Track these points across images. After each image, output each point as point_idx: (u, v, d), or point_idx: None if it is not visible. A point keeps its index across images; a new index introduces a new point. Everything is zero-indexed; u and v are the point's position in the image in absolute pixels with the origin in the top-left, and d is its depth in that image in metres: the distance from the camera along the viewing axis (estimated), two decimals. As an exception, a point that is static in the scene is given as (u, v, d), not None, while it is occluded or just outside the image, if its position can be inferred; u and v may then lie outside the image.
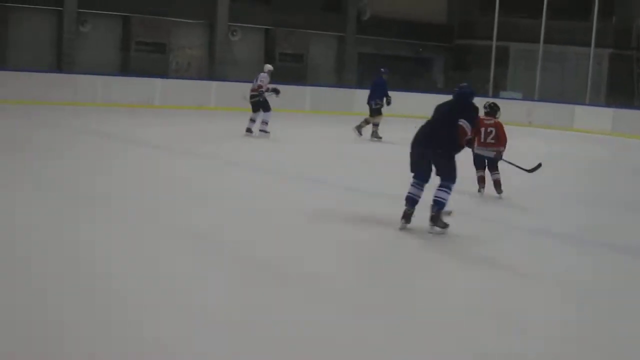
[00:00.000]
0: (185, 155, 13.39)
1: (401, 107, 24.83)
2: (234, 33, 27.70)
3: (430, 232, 7.65)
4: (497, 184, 10.24)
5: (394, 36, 30.54)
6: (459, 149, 7.79)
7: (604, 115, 24.67)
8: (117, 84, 23.46)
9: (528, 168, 9.60)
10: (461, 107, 7.89)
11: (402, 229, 7.68)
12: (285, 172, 12.07)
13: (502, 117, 10.51)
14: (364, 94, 21.20)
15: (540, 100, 27.76)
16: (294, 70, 27.86)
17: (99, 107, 22.00)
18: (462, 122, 7.63)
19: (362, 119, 17.70)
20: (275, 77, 17.83)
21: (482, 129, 10.01)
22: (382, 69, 17.87)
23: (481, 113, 8.91)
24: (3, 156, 11.83)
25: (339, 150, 15.52)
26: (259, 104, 16.24)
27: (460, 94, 8.02)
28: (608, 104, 27.44)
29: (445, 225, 7.68)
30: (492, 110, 10.40)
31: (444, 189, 7.67)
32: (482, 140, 10.11)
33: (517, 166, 9.57)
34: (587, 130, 23.73)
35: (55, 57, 24.83)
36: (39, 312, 4.88)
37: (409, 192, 7.76)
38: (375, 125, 17.38)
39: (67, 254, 6.30)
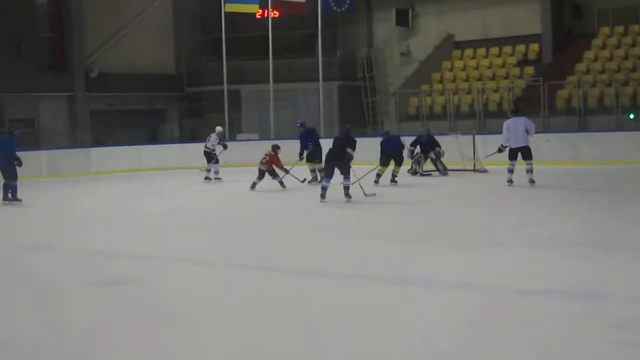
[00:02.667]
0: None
1: (146, 161, 30.27)
2: (-43, 103, 29.57)
3: (347, 201, 16.64)
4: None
5: (124, 90, 34.09)
6: (348, 162, 17.02)
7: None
8: None
9: None
10: (347, 139, 17.53)
11: (322, 201, 16.69)
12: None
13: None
14: (100, 152, 26.44)
15: (277, 138, 31.61)
16: (25, 136, 29.81)
17: None
18: (349, 150, 17.14)
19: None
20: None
21: None
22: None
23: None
24: None
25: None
26: (211, 158, 23.33)
27: (346, 132, 17.94)
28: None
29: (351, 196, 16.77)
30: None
31: (346, 180, 16.91)
32: None
33: None
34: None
35: None
36: None
37: (324, 184, 16.98)
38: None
39: None
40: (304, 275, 9.54)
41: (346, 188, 16.98)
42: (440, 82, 33.14)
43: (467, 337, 6.67)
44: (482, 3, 33.78)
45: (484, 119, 29.87)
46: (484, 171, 23.14)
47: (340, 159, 17.06)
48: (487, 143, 23.97)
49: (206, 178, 23.73)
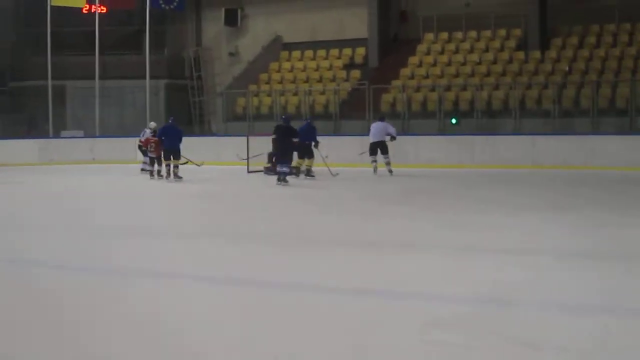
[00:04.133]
0: None
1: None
2: None
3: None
4: None
5: None
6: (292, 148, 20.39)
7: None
8: None
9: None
10: (290, 129, 20.58)
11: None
12: None
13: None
14: None
15: (102, 136, 32.35)
16: None
17: None
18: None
19: None
20: None
21: None
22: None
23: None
24: None
25: None
26: (144, 152, 24.47)
27: (287, 120, 21.30)
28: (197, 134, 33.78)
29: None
30: None
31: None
32: None
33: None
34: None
35: None
36: None
37: (284, 169, 20.10)
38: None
39: None
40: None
41: (283, 174, 20.19)
42: (268, 83, 33.59)
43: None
44: (311, 6, 34.46)
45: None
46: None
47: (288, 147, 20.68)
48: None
49: (142, 170, 24.91)
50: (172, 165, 22.16)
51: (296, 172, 22.37)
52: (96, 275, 9.08)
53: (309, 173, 22.71)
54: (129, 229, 12.82)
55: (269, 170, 23.57)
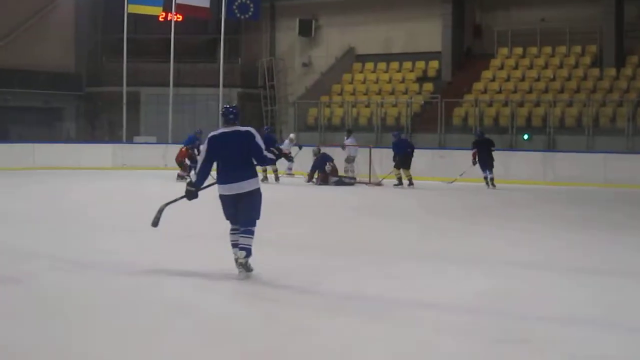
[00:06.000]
0: None
1: (41, 159, 30.24)
2: None
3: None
4: None
5: (20, 87, 34.08)
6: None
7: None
8: None
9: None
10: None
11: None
12: None
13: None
14: None
15: (175, 142, 31.70)
16: None
17: None
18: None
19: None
20: None
21: None
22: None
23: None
24: None
25: None
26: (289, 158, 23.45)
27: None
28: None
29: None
30: None
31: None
32: None
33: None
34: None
35: None
36: None
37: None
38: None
39: None
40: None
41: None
42: (340, 94, 33.94)
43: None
44: (385, 18, 34.75)
45: (381, 132, 30.55)
46: (379, 184, 24.05)
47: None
48: (383, 157, 24.87)
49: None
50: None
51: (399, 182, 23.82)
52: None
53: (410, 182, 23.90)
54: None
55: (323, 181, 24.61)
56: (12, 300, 8.34)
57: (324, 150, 25.71)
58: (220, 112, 10.63)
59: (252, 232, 9.22)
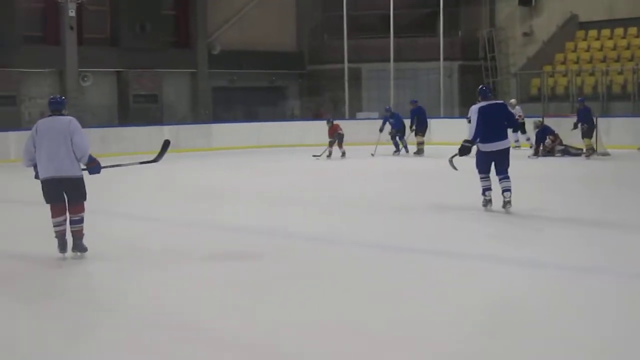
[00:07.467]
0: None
1: (266, 137, 31.23)
2: (85, 79, 31.57)
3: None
4: None
5: (246, 68, 35.25)
6: None
7: (458, 127, 31.05)
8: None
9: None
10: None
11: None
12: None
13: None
14: (221, 128, 27.44)
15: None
16: (149, 111, 32.52)
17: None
18: None
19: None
20: (131, 119, 26.82)
21: None
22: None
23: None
24: None
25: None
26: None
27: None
28: (462, 116, 34.17)
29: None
30: None
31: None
32: None
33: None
34: (442, 142, 28.36)
35: None
36: None
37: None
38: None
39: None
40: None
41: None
42: (563, 63, 33.28)
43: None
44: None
45: (607, 101, 29.79)
46: (606, 154, 23.41)
47: None
48: (611, 125, 24.34)
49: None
50: None
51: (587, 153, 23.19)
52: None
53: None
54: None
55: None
56: (278, 272, 9.04)
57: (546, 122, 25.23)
58: (477, 90, 13.57)
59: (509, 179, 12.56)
